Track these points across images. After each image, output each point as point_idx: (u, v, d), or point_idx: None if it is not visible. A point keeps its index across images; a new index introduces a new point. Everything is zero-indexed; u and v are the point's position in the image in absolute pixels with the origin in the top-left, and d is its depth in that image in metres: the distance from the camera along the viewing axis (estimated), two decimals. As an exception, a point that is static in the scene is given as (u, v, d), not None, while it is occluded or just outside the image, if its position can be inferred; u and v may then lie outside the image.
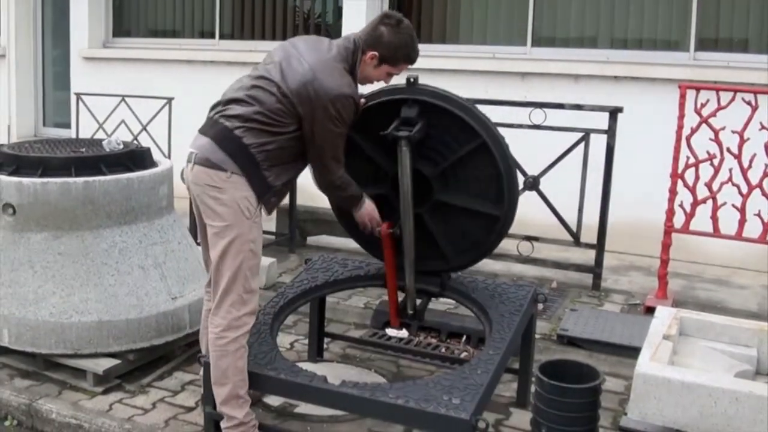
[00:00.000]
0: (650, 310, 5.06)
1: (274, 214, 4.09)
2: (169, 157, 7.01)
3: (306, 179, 3.83)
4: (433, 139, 3.65)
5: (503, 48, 7.49)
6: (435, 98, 3.60)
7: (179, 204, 5.05)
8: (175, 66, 8.79)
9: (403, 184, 3.61)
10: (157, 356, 4.45)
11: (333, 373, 3.83)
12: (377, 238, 3.82)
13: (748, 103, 5.14)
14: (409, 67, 3.62)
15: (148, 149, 4.81)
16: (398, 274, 3.86)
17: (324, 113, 3.37)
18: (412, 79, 3.63)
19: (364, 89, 3.72)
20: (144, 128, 7.46)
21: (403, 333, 4.59)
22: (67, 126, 9.48)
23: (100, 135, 7.41)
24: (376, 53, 3.52)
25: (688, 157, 5.33)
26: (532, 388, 3.56)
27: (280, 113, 3.40)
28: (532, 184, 5.80)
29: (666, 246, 5.46)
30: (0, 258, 4.26)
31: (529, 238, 5.97)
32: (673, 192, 5.38)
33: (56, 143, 4.82)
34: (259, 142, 3.40)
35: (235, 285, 3.40)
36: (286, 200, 6.72)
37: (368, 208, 3.74)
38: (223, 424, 3.47)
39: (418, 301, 3.96)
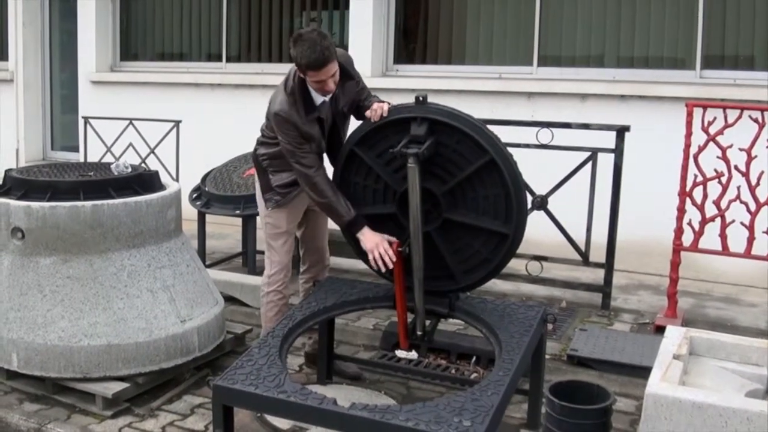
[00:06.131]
0: (660, 329, 5.04)
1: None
2: (177, 179, 7.03)
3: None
4: (441, 157, 3.66)
5: (509, 68, 7.50)
6: (443, 116, 3.61)
7: (187, 226, 5.06)
8: (182, 89, 8.81)
9: (412, 201, 3.61)
10: (166, 379, 4.45)
11: (342, 395, 3.81)
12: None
13: (755, 120, 5.14)
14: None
15: (156, 172, 4.83)
16: (407, 295, 3.85)
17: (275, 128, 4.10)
18: (421, 98, 3.64)
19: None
20: (152, 151, 7.48)
21: (413, 354, 4.57)
22: (75, 149, 9.51)
23: (108, 158, 7.45)
24: (297, 69, 3.92)
25: (695, 175, 5.32)
26: (543, 409, 3.54)
27: (270, 129, 4.20)
28: (540, 203, 5.79)
29: (675, 264, 5.44)
30: (9, 282, 4.27)
31: (538, 258, 5.95)
32: (681, 210, 5.37)
33: (64, 167, 4.85)
34: (263, 152, 4.32)
35: (265, 255, 4.51)
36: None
37: (373, 237, 3.85)
38: None
39: (428, 322, 3.95)
